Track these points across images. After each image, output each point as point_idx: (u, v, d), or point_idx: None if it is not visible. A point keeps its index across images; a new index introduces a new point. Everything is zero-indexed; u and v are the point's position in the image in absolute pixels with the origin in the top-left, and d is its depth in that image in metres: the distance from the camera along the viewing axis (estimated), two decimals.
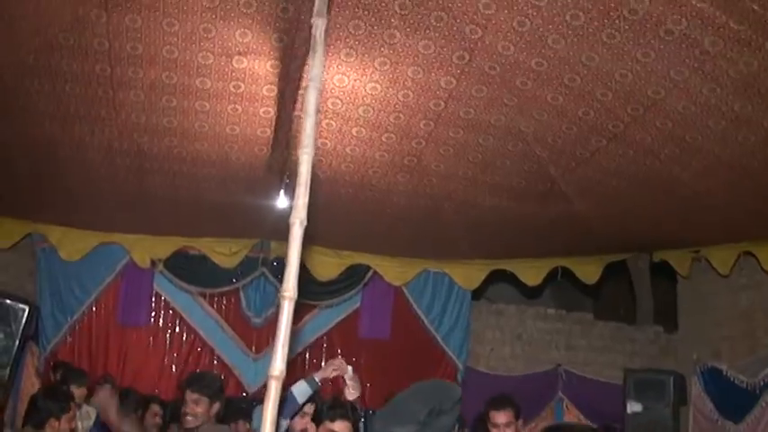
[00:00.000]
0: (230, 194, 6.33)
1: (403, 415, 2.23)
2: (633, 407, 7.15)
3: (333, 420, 3.63)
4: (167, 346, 8.05)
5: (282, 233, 7.05)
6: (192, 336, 8.14)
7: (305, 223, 2.63)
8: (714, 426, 7.38)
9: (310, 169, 2.67)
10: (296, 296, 2.57)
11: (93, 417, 5.37)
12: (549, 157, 5.19)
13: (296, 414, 4.14)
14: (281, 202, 6.17)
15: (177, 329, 8.15)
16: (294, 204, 2.64)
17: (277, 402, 2.49)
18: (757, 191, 5.42)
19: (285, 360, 2.49)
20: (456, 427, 2.35)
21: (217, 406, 4.23)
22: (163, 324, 8.10)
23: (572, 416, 8.50)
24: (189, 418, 4.19)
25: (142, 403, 6.34)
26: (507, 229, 7.09)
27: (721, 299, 7.97)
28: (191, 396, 4.21)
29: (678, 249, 8.02)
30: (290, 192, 5.96)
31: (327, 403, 3.86)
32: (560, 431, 6.64)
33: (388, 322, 8.43)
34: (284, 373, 2.49)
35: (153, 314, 8.11)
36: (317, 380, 4.09)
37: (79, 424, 4.97)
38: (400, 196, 6.15)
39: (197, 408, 4.17)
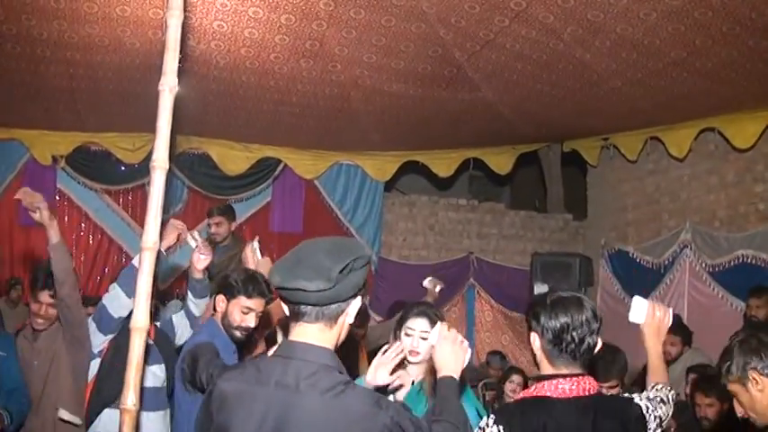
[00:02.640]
0: (129, 84, 6.05)
1: (311, 270, 2.08)
2: (540, 288, 7.40)
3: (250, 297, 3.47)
4: (74, 245, 7.80)
5: (189, 126, 6.77)
6: (99, 234, 7.98)
7: (175, 90, 2.52)
8: (620, 303, 7.73)
9: (179, 34, 2.54)
10: (167, 167, 2.48)
11: None
12: (453, 39, 5.08)
13: None
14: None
15: (83, 228, 7.96)
16: (164, 70, 2.52)
17: (151, 274, 2.44)
18: (662, 72, 5.44)
19: (158, 231, 2.43)
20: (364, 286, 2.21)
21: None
22: (68, 223, 7.86)
23: (483, 301, 8.75)
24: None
25: None
26: (417, 119, 7.03)
27: (629, 185, 8.23)
28: None
29: (587, 138, 8.16)
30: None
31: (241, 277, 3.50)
32: None
33: (301, 215, 8.41)
34: (158, 245, 2.43)
35: (57, 213, 7.82)
36: (163, 251, 3.55)
37: None
38: (305, 84, 5.98)
39: None
